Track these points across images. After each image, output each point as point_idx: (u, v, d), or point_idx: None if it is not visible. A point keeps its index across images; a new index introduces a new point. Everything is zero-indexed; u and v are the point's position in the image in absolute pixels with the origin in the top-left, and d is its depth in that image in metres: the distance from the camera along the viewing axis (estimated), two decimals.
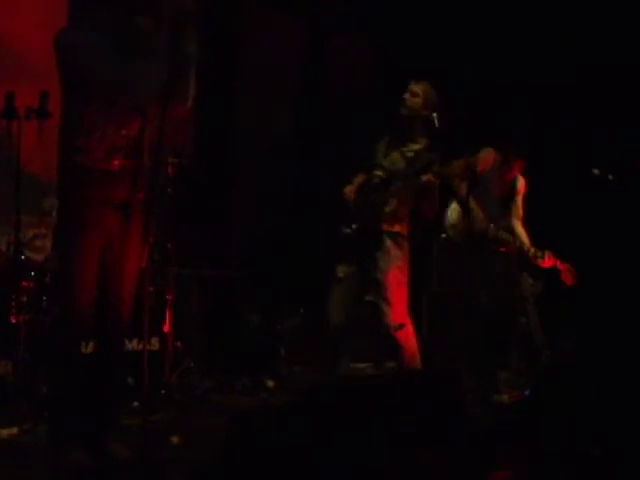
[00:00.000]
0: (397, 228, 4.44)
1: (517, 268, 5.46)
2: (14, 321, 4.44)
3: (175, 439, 3.61)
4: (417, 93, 4.48)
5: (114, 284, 3.32)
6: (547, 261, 5.23)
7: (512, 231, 5.40)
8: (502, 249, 5.35)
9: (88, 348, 4.01)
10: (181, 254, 5.09)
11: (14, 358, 4.29)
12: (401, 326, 4.32)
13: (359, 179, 4.64)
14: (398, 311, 4.33)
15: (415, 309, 6.13)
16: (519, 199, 5.48)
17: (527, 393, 4.64)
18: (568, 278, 5.23)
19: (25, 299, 4.49)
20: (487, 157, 5.35)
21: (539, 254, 5.23)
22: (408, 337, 4.35)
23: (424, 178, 4.33)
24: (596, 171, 5.17)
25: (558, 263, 5.23)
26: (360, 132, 5.99)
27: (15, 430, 3.72)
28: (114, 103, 3.22)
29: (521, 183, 5.47)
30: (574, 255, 5.32)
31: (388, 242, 4.39)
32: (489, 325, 5.25)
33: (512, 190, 5.45)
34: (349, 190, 4.58)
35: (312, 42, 7.24)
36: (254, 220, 6.66)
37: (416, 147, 4.53)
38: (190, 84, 3.34)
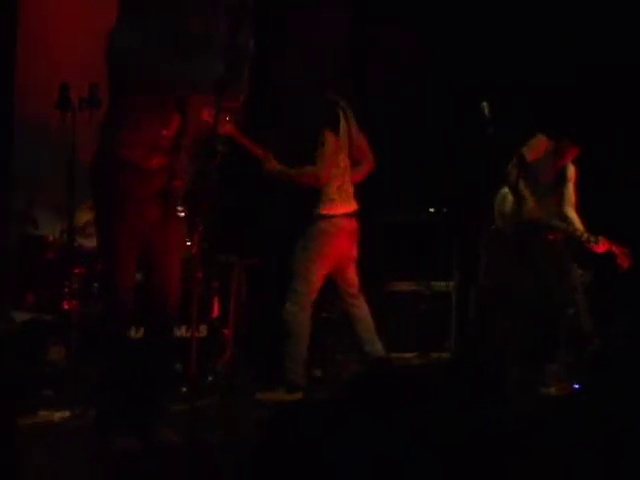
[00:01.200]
0: None
1: (567, 258, 5.38)
2: (66, 307, 4.52)
3: (219, 426, 3.63)
4: None
5: (159, 272, 3.34)
6: (601, 246, 5.14)
7: (565, 218, 5.32)
8: (551, 237, 5.27)
9: (139, 334, 4.06)
10: (228, 242, 5.12)
11: (66, 344, 4.37)
12: None
13: None
14: None
15: (462, 302, 6.14)
16: (570, 186, 5.39)
17: (576, 386, 4.57)
18: (624, 261, 5.12)
19: (77, 286, 4.57)
20: (539, 144, 5.28)
21: (592, 239, 5.14)
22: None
23: None
24: None
25: (613, 247, 5.13)
26: (403, 120, 5.95)
27: (67, 414, 3.78)
28: (159, 103, 3.23)
29: (571, 171, 5.38)
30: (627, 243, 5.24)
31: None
32: (537, 317, 5.19)
33: (562, 177, 5.37)
34: None
35: (357, 31, 7.21)
36: (302, 210, 6.66)
37: None
38: (244, 80, 3.33)
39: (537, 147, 5.26)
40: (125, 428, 3.23)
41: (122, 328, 3.40)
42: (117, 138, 3.26)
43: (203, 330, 4.65)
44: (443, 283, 6.15)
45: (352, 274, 4.57)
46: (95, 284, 4.60)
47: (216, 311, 4.88)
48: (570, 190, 5.40)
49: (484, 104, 4.51)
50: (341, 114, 4.52)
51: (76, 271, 4.61)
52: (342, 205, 4.50)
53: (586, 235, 5.18)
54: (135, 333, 4.04)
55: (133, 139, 3.23)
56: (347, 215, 4.50)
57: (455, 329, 6.08)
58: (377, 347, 4.50)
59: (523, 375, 4.81)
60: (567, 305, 5.32)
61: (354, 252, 4.56)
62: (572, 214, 5.38)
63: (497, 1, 6.67)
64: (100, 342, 3.44)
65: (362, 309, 4.58)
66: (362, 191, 4.78)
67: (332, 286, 4.82)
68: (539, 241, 5.22)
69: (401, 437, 2.06)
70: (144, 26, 3.20)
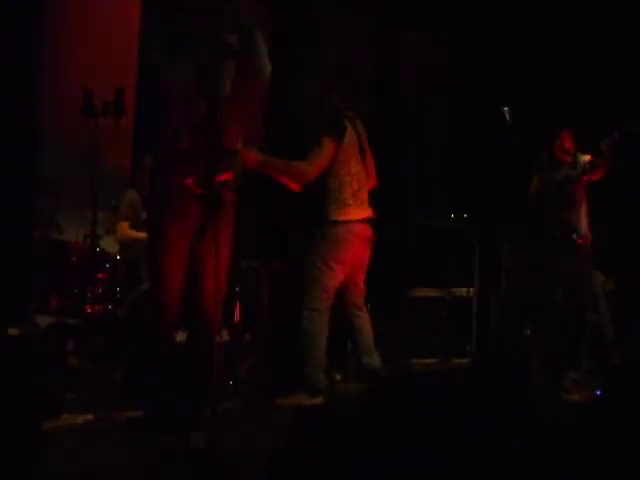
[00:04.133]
0: None
1: (589, 265, 5.36)
2: (89, 311, 4.56)
3: (243, 429, 3.65)
4: None
5: (205, 276, 3.36)
6: (599, 169, 5.04)
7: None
8: (580, 241, 5.23)
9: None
10: (250, 248, 5.15)
11: (89, 347, 4.41)
12: None
13: None
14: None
15: (483, 308, 6.13)
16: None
17: (598, 393, 4.56)
18: (608, 152, 4.98)
19: (100, 290, 4.62)
20: (564, 141, 5.28)
21: (587, 167, 5.05)
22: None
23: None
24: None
25: (603, 147, 5.01)
26: (428, 125, 5.96)
27: (90, 416, 3.81)
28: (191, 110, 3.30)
29: (584, 161, 5.35)
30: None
31: None
32: (560, 323, 5.17)
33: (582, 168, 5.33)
34: None
35: (383, 38, 7.25)
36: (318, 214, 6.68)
37: None
38: (260, 56, 3.38)
39: (564, 142, 5.24)
40: (167, 428, 3.25)
41: (168, 331, 3.43)
42: (162, 137, 3.38)
43: (225, 335, 4.67)
44: (464, 289, 6.15)
45: (361, 283, 4.56)
46: (118, 288, 4.65)
47: (238, 316, 4.90)
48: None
49: (506, 109, 4.52)
50: (348, 124, 4.51)
51: (99, 275, 4.66)
52: (357, 211, 4.49)
53: (582, 167, 5.08)
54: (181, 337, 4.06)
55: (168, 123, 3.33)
56: (362, 221, 4.49)
57: (476, 335, 6.08)
58: (375, 359, 4.51)
59: (546, 381, 4.80)
60: (589, 311, 5.30)
61: (367, 259, 4.56)
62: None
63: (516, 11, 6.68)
64: (143, 343, 3.47)
65: (365, 320, 4.57)
66: (382, 197, 4.78)
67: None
68: (562, 248, 5.21)
69: (422, 443, 2.07)
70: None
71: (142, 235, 4.69)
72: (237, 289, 4.92)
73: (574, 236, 5.19)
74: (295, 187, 4.46)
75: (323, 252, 4.41)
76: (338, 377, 5.20)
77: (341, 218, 4.44)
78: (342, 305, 4.60)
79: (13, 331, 4.14)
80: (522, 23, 6.68)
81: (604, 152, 4.95)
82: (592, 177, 5.11)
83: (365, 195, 4.56)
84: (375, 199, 4.63)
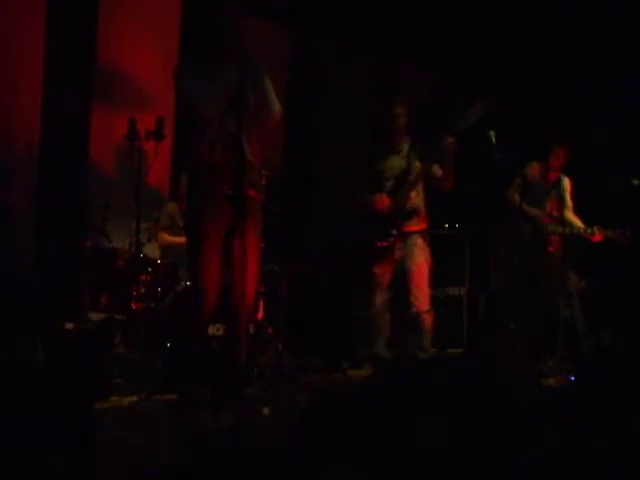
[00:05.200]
0: (423, 225, 4.72)
1: (564, 266, 5.35)
2: (134, 308, 4.59)
3: (266, 410, 3.66)
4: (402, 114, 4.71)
5: (237, 274, 3.32)
6: (598, 235, 5.09)
7: (564, 222, 5.30)
8: (551, 249, 5.24)
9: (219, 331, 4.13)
10: (272, 252, 5.16)
11: (134, 339, 4.44)
12: (429, 310, 4.66)
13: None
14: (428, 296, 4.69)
15: (473, 305, 6.12)
16: (567, 195, 5.40)
17: (572, 378, 4.54)
18: (624, 241, 5.02)
19: (143, 290, 4.64)
20: (533, 169, 5.32)
21: (589, 230, 5.10)
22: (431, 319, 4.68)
23: (448, 140, 4.43)
24: (636, 182, 5.02)
25: (610, 233, 5.07)
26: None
27: (135, 398, 3.83)
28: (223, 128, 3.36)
29: (567, 182, 5.39)
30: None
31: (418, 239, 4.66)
32: (538, 318, 5.16)
33: (559, 189, 5.37)
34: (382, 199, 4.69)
35: (383, 71, 7.25)
36: (334, 223, 6.69)
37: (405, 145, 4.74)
38: (267, 94, 3.44)
39: (532, 171, 5.31)
40: (204, 409, 3.27)
41: (201, 327, 3.43)
42: (197, 151, 3.44)
43: (251, 328, 4.68)
44: (456, 288, 6.15)
45: None
46: (159, 289, 4.67)
47: (261, 313, 4.91)
48: (567, 198, 5.40)
49: (491, 133, 4.53)
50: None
51: (142, 278, 4.68)
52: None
53: (583, 227, 5.15)
54: (216, 330, 4.08)
55: (202, 142, 3.40)
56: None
57: (467, 328, 6.08)
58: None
59: (526, 367, 4.78)
60: (564, 308, 5.29)
61: None
62: (571, 217, 5.38)
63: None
64: (182, 336, 3.48)
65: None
66: None
67: (360, 290, 4.87)
68: (539, 251, 5.22)
69: (423, 420, 2.08)
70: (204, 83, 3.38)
71: (180, 240, 4.71)
72: (261, 289, 4.93)
73: (546, 244, 5.21)
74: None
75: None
76: (346, 365, 5.20)
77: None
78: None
79: (69, 325, 4.17)
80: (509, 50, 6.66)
81: (617, 238, 5.02)
82: (593, 238, 5.13)
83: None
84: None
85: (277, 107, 3.49)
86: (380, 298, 4.79)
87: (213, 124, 3.38)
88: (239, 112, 3.26)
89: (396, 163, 4.75)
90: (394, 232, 4.63)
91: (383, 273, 4.76)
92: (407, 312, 4.69)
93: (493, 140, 4.52)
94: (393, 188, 4.69)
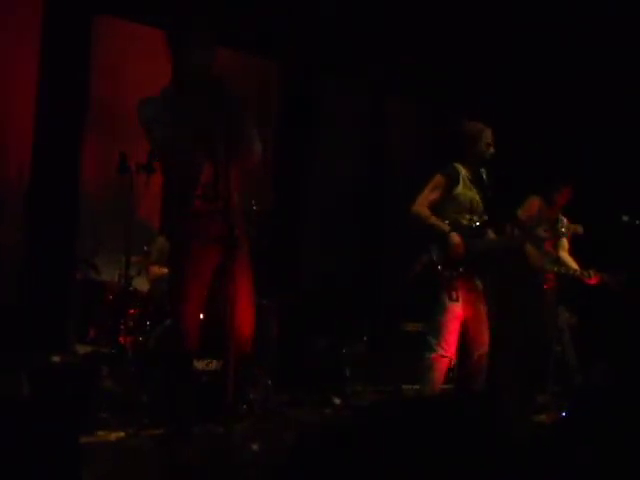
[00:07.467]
0: None
1: (555, 303, 5.37)
2: (122, 341, 4.56)
3: (254, 446, 3.62)
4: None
5: (228, 311, 3.28)
6: (594, 278, 5.15)
7: (560, 262, 5.36)
8: (545, 286, 5.29)
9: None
10: (260, 286, 5.15)
11: (121, 373, 4.40)
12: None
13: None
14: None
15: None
16: (565, 236, 5.42)
17: (563, 414, 4.53)
18: (617, 287, 5.09)
19: (132, 323, 4.61)
20: (531, 204, 5.36)
21: (585, 273, 5.16)
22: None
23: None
24: (625, 218, 5.07)
25: (605, 277, 5.13)
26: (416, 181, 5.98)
27: (122, 434, 3.80)
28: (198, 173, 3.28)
29: (566, 222, 5.42)
30: None
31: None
32: (530, 355, 5.17)
33: (556, 229, 5.40)
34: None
35: (372, 103, 7.36)
36: (324, 257, 6.71)
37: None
38: (249, 139, 3.27)
39: (530, 207, 5.34)
40: (187, 444, 3.23)
41: (185, 360, 3.38)
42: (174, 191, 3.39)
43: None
44: None
45: None
46: (148, 322, 4.64)
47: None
48: (565, 239, 5.44)
49: (482, 170, 4.57)
50: None
51: (131, 311, 4.66)
52: None
53: (579, 271, 5.21)
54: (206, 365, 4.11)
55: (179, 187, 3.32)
56: None
57: (459, 365, 6.05)
58: None
59: (519, 405, 4.77)
60: (555, 344, 5.30)
61: None
62: (566, 257, 5.42)
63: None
64: (166, 370, 3.44)
65: None
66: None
67: (351, 325, 4.84)
68: (534, 290, 5.26)
69: (408, 458, 2.07)
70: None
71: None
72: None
73: (540, 281, 5.25)
74: None
75: None
76: (337, 400, 5.17)
77: None
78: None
79: (56, 358, 4.14)
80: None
81: (611, 283, 5.06)
82: (589, 281, 5.18)
83: None
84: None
85: (257, 147, 3.30)
86: None
87: (185, 169, 3.26)
88: (214, 154, 3.16)
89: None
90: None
91: None
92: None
93: (484, 177, 4.56)
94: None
